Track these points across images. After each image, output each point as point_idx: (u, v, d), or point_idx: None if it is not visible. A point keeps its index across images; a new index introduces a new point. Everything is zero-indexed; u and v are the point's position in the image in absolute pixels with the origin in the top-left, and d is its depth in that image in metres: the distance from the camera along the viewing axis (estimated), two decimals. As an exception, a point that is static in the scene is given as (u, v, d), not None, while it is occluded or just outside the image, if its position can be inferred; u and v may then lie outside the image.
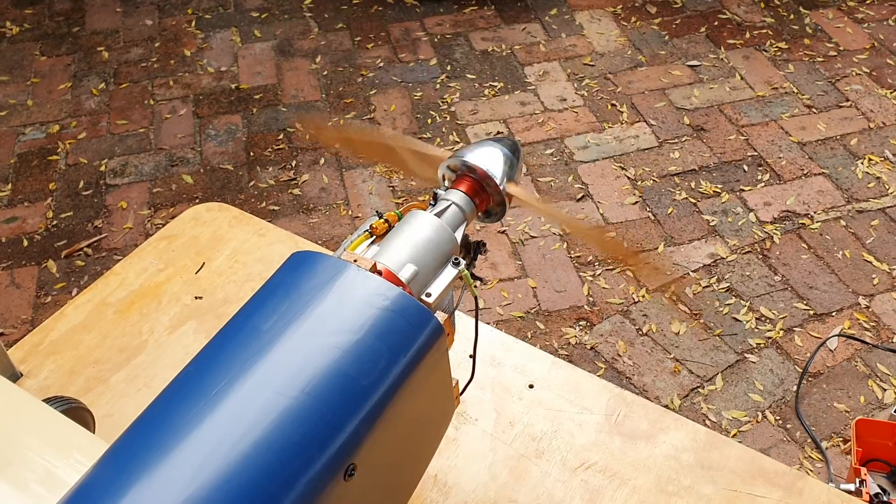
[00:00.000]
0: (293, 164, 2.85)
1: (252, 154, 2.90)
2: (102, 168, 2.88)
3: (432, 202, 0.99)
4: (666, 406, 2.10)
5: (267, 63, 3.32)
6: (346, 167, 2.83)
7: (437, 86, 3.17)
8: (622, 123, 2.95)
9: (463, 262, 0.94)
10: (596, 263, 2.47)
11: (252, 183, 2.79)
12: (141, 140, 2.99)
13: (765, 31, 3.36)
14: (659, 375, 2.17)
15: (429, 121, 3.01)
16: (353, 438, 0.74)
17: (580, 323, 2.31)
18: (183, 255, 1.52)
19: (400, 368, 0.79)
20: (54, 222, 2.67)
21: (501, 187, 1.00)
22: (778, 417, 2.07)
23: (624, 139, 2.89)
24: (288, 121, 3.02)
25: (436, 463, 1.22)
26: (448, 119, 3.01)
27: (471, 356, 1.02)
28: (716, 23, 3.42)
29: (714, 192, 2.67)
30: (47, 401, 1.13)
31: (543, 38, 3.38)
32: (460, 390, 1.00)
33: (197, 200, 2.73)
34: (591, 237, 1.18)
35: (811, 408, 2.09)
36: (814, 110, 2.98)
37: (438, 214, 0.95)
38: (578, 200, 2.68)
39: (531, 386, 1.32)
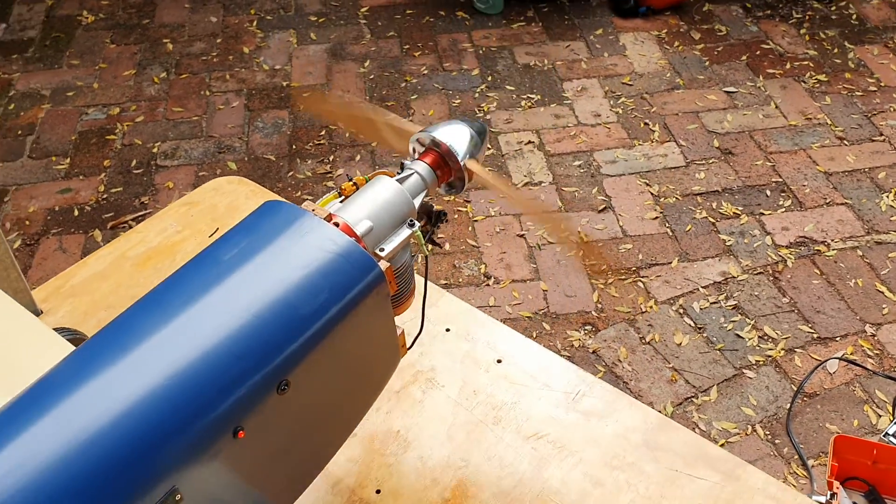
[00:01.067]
0: (331, 158, 2.99)
1: (294, 147, 3.06)
2: (155, 150, 3.07)
3: (399, 171, 1.09)
4: (659, 412, 2.15)
5: (318, 64, 3.49)
6: (379, 165, 2.96)
7: (476, 95, 3.28)
8: (652, 142, 3.02)
9: (418, 224, 1.04)
10: (609, 271, 2.54)
11: (290, 173, 2.94)
12: (193, 127, 3.18)
13: (806, 62, 3.39)
14: (656, 383, 2.23)
15: (464, 127, 3.12)
16: (288, 357, 0.85)
17: (586, 327, 2.39)
18: (200, 220, 1.66)
19: (339, 305, 0.90)
20: (104, 196, 2.86)
21: (462, 163, 1.10)
22: (768, 432, 2.11)
23: (652, 157, 2.96)
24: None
25: (401, 420, 1.32)
26: (483, 127, 3.12)
27: (422, 312, 1.11)
28: (758, 52, 3.46)
29: (734, 213, 2.72)
30: (57, 330, 1.27)
31: (586, 56, 3.47)
32: (408, 342, 1.09)
33: (237, 186, 2.89)
34: (545, 220, 1.24)
35: (802, 426, 2.12)
36: (845, 142, 3.00)
37: (400, 181, 1.06)
38: (599, 212, 2.75)
39: (499, 361, 1.41)
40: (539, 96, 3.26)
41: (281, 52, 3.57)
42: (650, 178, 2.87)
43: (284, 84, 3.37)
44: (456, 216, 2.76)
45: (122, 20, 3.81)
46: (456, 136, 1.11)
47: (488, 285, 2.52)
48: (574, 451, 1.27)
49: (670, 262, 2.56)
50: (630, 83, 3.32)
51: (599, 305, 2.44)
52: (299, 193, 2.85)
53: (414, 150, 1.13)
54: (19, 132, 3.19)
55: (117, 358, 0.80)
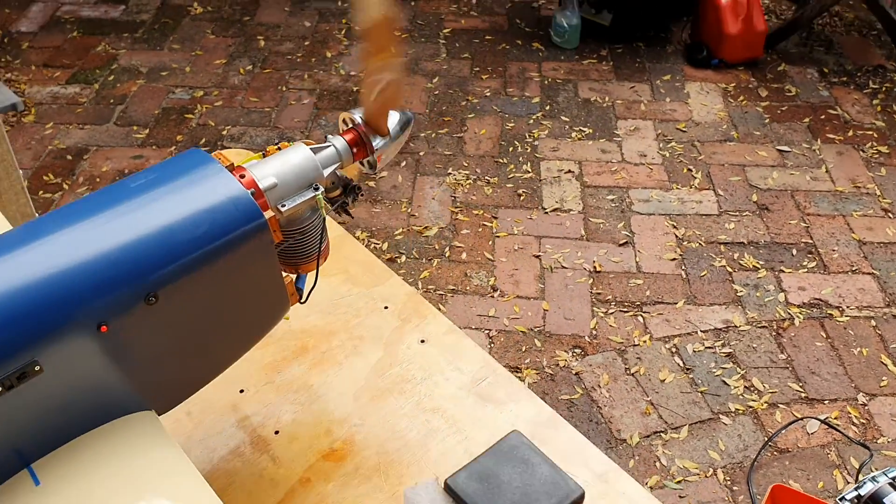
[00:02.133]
0: (378, 160, 3.17)
1: (347, 146, 3.25)
2: (224, 132, 3.33)
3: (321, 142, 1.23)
4: (623, 440, 2.20)
5: (390, 74, 3.68)
6: (421, 172, 3.12)
7: (531, 121, 3.40)
8: (691, 187, 3.05)
9: (321, 189, 1.17)
10: (613, 303, 2.59)
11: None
12: (263, 117, 3.42)
13: (871, 132, 3.34)
14: (629, 412, 2.27)
15: (510, 148, 3.24)
16: (159, 273, 0.99)
17: (575, 350, 2.45)
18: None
19: (217, 240, 1.03)
20: (169, 166, 3.12)
21: (375, 153, 1.23)
22: (728, 478, 2.12)
23: (687, 201, 2.99)
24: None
25: (317, 377, 1.45)
26: (528, 151, 3.23)
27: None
28: (822, 116, 3.43)
29: (753, 266, 2.72)
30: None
31: (647, 99, 3.53)
32: (299, 288, 1.22)
33: (287, 174, 3.10)
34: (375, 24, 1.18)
35: (765, 478, 2.12)
36: (889, 215, 2.94)
37: (315, 150, 1.19)
38: (620, 245, 2.81)
39: (423, 341, 1.52)
40: (591, 130, 3.35)
41: (359, 60, 3.79)
42: (679, 221, 2.91)
43: (354, 89, 3.58)
44: (480, 229, 2.87)
45: (226, 15, 4.13)
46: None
47: (493, 297, 2.62)
48: (462, 430, 1.37)
49: (676, 303, 2.59)
50: (684, 129, 3.35)
51: (594, 332, 2.50)
52: (340, 188, 3.03)
53: (342, 125, 1.27)
54: (112, 101, 3.52)
55: (15, 246, 0.97)
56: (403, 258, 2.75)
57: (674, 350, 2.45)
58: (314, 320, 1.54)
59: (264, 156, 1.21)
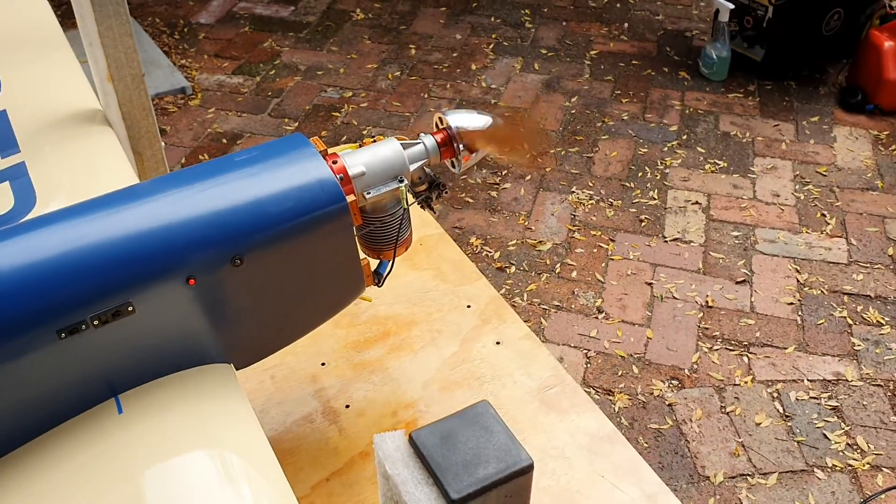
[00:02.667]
0: (503, 172, 3.24)
1: (477, 155, 3.34)
2: (364, 132, 3.50)
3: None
4: (706, 477, 2.15)
5: (530, 91, 3.75)
6: (544, 188, 3.16)
7: (665, 148, 3.37)
8: (822, 233, 2.93)
9: (406, 182, 1.25)
10: (720, 340, 2.54)
11: (464, 177, 3.22)
12: (402, 121, 3.57)
13: None
14: (717, 450, 2.22)
15: (640, 173, 3.23)
16: (245, 239, 1.10)
17: (672, 381, 2.42)
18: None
19: (302, 216, 1.14)
20: (309, 158, 3.32)
21: (460, 155, 1.29)
22: (812, 533, 2.03)
23: (815, 247, 2.88)
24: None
25: (394, 361, 1.53)
26: (657, 178, 3.21)
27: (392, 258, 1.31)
28: (984, 173, 3.21)
29: (877, 321, 2.59)
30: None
31: (790, 138, 3.42)
32: (378, 273, 1.30)
33: (417, 176, 3.23)
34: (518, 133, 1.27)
35: (853, 540, 2.02)
36: None
37: (405, 146, 1.28)
38: (737, 282, 2.74)
39: (498, 343, 1.57)
40: (725, 164, 3.28)
41: (502, 74, 3.88)
42: (803, 265, 2.80)
43: (493, 101, 3.67)
44: (595, 250, 2.88)
45: (385, 23, 4.33)
46: (466, 126, 1.31)
47: (597, 318, 2.62)
48: (520, 432, 1.40)
49: (786, 348, 2.50)
50: (824, 173, 3.22)
51: (695, 366, 2.46)
52: (463, 195, 3.12)
53: (435, 125, 1.34)
54: (269, 93, 3.78)
55: (122, 202, 1.11)
56: (513, 269, 2.81)
57: (775, 395, 2.37)
58: (399, 308, 1.63)
59: (360, 145, 1.31)
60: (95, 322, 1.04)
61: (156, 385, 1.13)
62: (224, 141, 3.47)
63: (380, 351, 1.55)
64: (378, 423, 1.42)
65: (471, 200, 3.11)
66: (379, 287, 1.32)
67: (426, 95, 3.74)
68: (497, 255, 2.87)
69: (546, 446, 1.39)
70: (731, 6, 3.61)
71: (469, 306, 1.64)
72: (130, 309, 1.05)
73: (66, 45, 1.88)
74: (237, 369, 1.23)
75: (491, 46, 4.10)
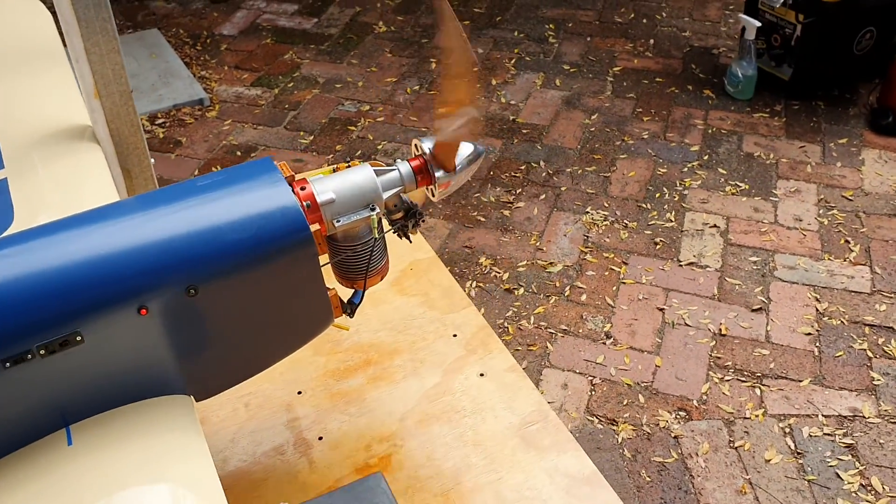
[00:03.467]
0: (518, 191, 3.18)
1: (491, 173, 3.29)
2: (379, 146, 3.47)
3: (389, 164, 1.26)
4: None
5: (550, 108, 3.69)
6: (558, 207, 3.10)
7: (685, 169, 3.28)
8: (844, 260, 2.83)
9: (377, 209, 1.20)
10: (731, 370, 2.45)
11: (477, 195, 3.17)
12: (418, 135, 3.53)
13: None
14: (723, 487, 2.13)
15: (657, 194, 3.15)
16: (201, 269, 1.06)
17: (679, 412, 2.33)
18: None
19: (263, 245, 1.10)
20: (322, 172, 3.30)
21: (435, 183, 1.24)
22: (819, 579, 1.94)
23: (837, 275, 2.77)
24: (534, 157, 3.36)
25: (373, 391, 1.48)
26: (676, 199, 3.13)
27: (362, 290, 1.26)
28: None
29: (900, 355, 2.48)
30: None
31: (816, 161, 3.31)
32: (346, 306, 1.25)
33: (429, 193, 3.18)
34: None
35: (863, 589, 1.92)
36: None
37: (378, 172, 1.23)
38: (752, 310, 2.65)
39: (482, 374, 1.51)
40: (747, 186, 3.18)
41: (522, 90, 3.82)
42: (823, 294, 2.70)
43: (511, 118, 3.62)
44: (606, 273, 2.81)
45: (407, 36, 4.30)
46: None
47: (604, 344, 2.55)
48: (497, 470, 1.35)
49: (800, 381, 2.41)
50: (850, 198, 3.11)
51: (704, 397, 2.37)
52: (475, 213, 3.07)
53: (413, 150, 1.30)
54: (287, 106, 3.76)
55: (74, 227, 1.07)
56: (521, 290, 2.74)
57: (787, 430, 2.27)
58: (383, 336, 1.58)
59: (335, 170, 1.26)
60: (42, 352, 1.01)
61: (109, 416, 1.10)
62: (238, 153, 3.46)
63: (359, 380, 1.50)
64: (351, 458, 1.37)
65: (482, 219, 3.05)
66: (350, 318, 1.27)
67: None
68: (506, 276, 2.81)
69: (522, 486, 1.33)
70: (758, 24, 3.52)
71: (455, 335, 1.59)
72: (79, 339, 1.02)
73: (65, 60, 1.86)
74: (198, 400, 1.19)
75: (513, 61, 4.05)
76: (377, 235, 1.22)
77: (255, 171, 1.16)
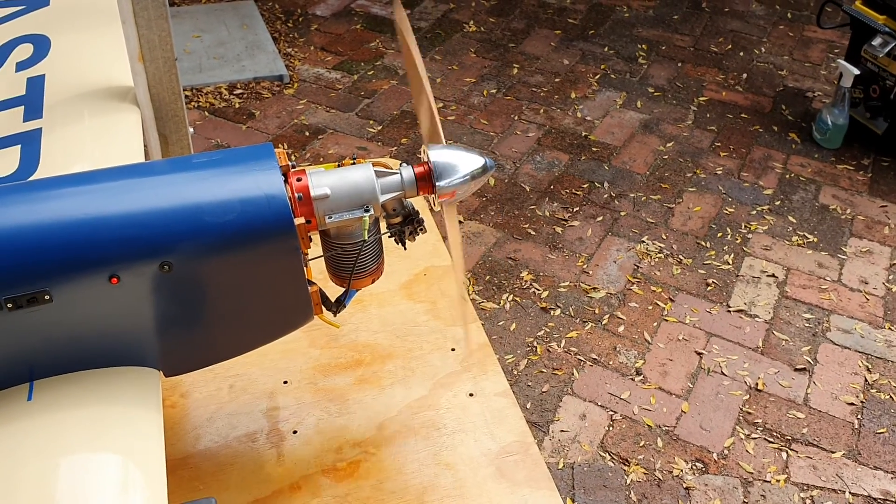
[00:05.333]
0: (575, 210, 3.10)
1: (551, 188, 3.22)
2: (445, 145, 3.44)
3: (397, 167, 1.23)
4: (708, 577, 1.97)
5: (625, 129, 3.59)
6: (613, 232, 3.01)
7: (753, 211, 3.14)
8: (907, 332, 2.66)
9: (371, 210, 1.16)
10: (760, 429, 2.33)
11: (532, 207, 3.11)
12: (484, 139, 3.49)
13: None
14: (727, 550, 2.03)
15: (719, 234, 3.02)
16: (177, 245, 1.05)
17: (696, 463, 2.23)
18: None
19: (241, 230, 1.08)
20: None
21: (436, 193, 1.20)
22: None
23: (895, 346, 2.61)
24: (599, 177, 3.28)
25: (357, 394, 1.45)
26: (738, 241, 3.00)
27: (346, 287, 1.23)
28: None
29: (947, 442, 2.31)
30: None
31: (895, 223, 3.13)
32: (331, 304, 1.22)
33: (484, 199, 3.14)
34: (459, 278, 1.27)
35: None
36: None
37: (379, 174, 1.20)
38: (795, 369, 2.51)
39: (471, 395, 1.47)
40: (815, 239, 3.03)
41: (601, 107, 3.73)
42: (876, 364, 2.54)
43: (583, 134, 3.54)
44: (650, 307, 2.71)
45: (495, 38, 4.26)
46: (452, 164, 1.21)
47: (633, 379, 2.46)
48: (464, 496, 1.31)
49: (833, 452, 2.27)
50: (927, 267, 2.93)
51: (726, 452, 2.26)
52: (527, 225, 3.01)
53: (420, 155, 1.25)
54: (362, 93, 3.77)
55: (58, 186, 1.08)
56: (558, 311, 2.67)
57: (808, 502, 2.14)
58: (381, 338, 1.55)
59: (339, 165, 1.24)
60: (9, 305, 1.01)
61: (73, 378, 1.10)
62: (307, 133, 3.49)
63: (346, 379, 1.48)
64: (319, 457, 1.35)
65: (532, 232, 2.99)
66: (335, 315, 1.24)
67: (516, 117, 3.64)
68: (545, 294, 2.74)
69: (487, 518, 1.28)
70: (857, 72, 3.34)
71: (454, 349, 1.54)
72: (47, 297, 1.02)
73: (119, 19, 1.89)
74: (167, 376, 1.19)
75: (597, 77, 3.96)
76: (366, 238, 1.18)
77: (252, 156, 1.14)
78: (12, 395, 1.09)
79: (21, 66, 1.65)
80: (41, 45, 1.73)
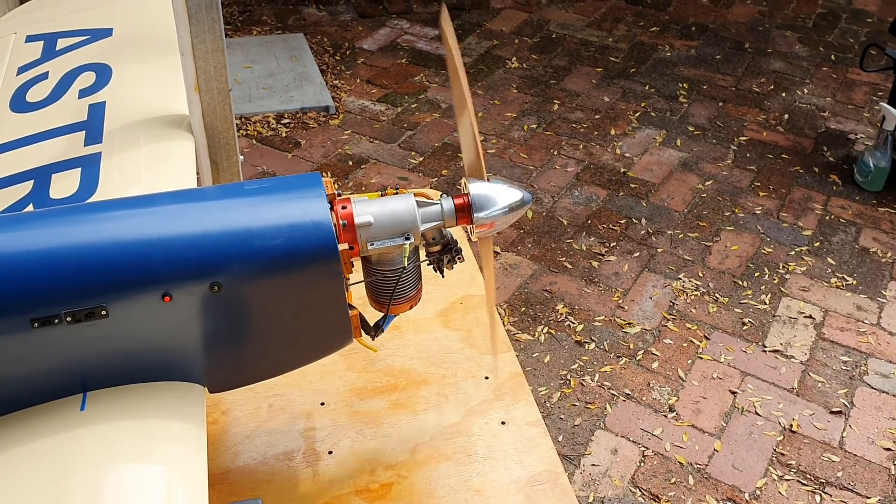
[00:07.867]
0: (612, 244, 3.13)
1: (589, 222, 3.25)
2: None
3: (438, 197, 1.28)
4: None
5: (664, 167, 3.61)
6: (650, 268, 3.02)
7: (792, 252, 3.14)
8: (947, 379, 2.62)
9: (412, 238, 1.21)
10: (794, 471, 2.31)
11: (569, 241, 3.14)
12: (523, 173, 3.54)
13: None
14: (757, 592, 2.01)
15: (756, 273, 3.02)
16: (227, 267, 1.11)
17: (728, 503, 2.22)
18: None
19: (289, 254, 1.13)
20: (422, 194, 3.35)
21: (474, 223, 1.24)
22: None
23: (935, 393, 2.58)
24: (637, 213, 3.30)
25: (392, 417, 1.49)
26: (775, 281, 2.99)
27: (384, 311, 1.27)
28: None
29: None
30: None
31: (938, 267, 3.10)
32: (370, 328, 1.27)
33: (522, 231, 3.18)
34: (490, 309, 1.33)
35: None
36: None
37: (420, 204, 1.24)
38: (832, 412, 2.50)
39: (503, 423, 1.49)
40: (854, 282, 3.01)
41: (640, 144, 3.76)
42: (915, 410, 2.51)
43: (622, 170, 3.57)
44: (685, 344, 2.71)
45: (537, 75, 4.32)
46: (490, 196, 1.26)
47: (665, 416, 2.46)
48: (492, 521, 1.33)
49: (867, 497, 2.25)
50: (969, 313, 2.89)
51: (757, 493, 2.25)
52: (563, 259, 3.04)
53: (461, 186, 1.30)
54: (405, 126, 3.85)
55: (118, 208, 1.15)
56: (592, 345, 2.69)
57: (841, 547, 2.12)
58: (417, 364, 1.59)
59: (383, 195, 1.29)
60: (69, 318, 1.07)
61: (124, 391, 1.16)
62: (350, 163, 3.57)
63: (382, 403, 1.52)
64: (353, 478, 1.39)
65: (569, 266, 3.02)
66: (373, 339, 1.29)
67: (555, 152, 3.68)
68: (580, 327, 2.76)
69: (514, 544, 1.30)
70: (900, 115, 3.33)
71: (487, 377, 1.58)
72: (104, 313, 1.08)
73: (177, 50, 1.98)
74: (211, 392, 1.24)
75: (637, 115, 3.99)
76: (405, 265, 1.23)
77: (301, 184, 1.20)
78: (67, 405, 1.15)
79: (84, 94, 1.74)
80: (103, 74, 1.82)
